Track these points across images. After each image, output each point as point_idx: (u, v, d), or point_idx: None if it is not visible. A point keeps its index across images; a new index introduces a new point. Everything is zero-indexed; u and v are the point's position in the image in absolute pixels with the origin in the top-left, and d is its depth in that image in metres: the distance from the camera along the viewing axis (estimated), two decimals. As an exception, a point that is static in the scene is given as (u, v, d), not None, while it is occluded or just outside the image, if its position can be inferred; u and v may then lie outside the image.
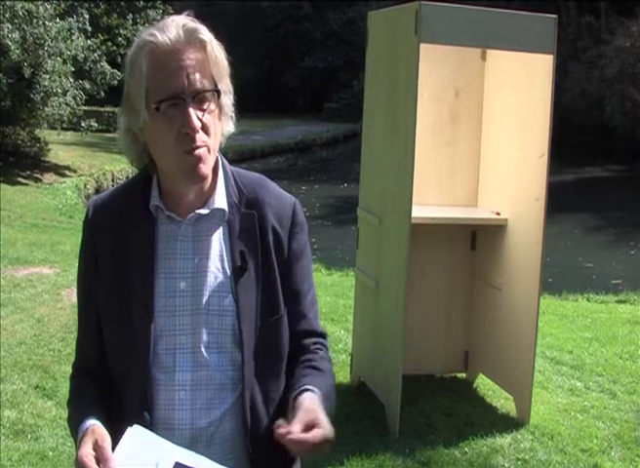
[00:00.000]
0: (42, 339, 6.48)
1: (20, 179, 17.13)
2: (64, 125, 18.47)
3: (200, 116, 1.82)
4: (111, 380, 1.97)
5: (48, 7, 17.17)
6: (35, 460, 4.60)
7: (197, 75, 1.80)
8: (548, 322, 7.69)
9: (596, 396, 5.93)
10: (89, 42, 19.04)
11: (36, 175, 17.83)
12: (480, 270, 5.95)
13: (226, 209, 1.93)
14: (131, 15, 24.45)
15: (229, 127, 1.93)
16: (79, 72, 18.60)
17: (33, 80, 16.59)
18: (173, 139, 1.81)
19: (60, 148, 20.22)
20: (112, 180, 19.40)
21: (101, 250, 1.96)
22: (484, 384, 5.98)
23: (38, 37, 16.44)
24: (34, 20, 16.53)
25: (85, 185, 18.35)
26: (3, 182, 16.01)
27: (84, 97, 18.50)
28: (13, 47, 15.65)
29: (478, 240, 5.98)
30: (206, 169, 1.86)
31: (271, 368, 1.96)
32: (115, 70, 19.36)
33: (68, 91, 17.63)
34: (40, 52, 16.50)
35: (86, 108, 18.72)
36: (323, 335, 2.07)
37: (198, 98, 1.81)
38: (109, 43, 21.66)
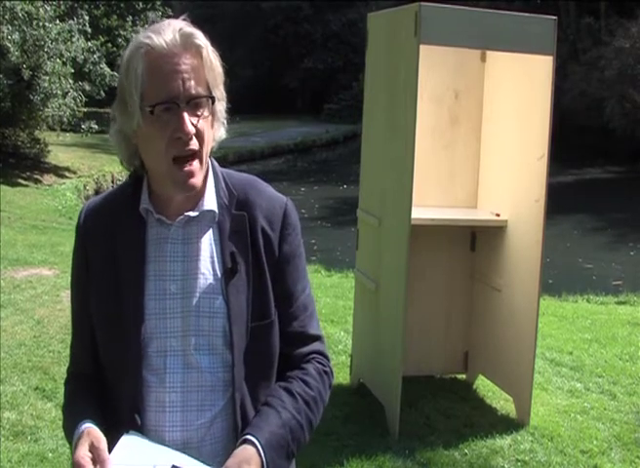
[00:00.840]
0: (42, 341, 6.48)
1: (19, 181, 17.12)
2: (64, 126, 18.44)
3: (194, 122, 1.81)
4: (105, 385, 1.97)
5: (48, 8, 17.16)
6: (35, 462, 4.60)
7: (192, 81, 1.80)
8: (548, 323, 7.69)
9: (596, 397, 5.94)
10: (89, 44, 19.04)
11: (36, 177, 17.82)
12: (480, 271, 5.95)
13: (216, 210, 1.93)
14: (130, 17, 24.48)
15: (221, 133, 1.94)
16: (79, 74, 18.59)
17: (33, 82, 16.58)
18: (165, 144, 1.81)
19: (59, 150, 20.21)
20: (112, 182, 19.39)
21: (93, 254, 1.97)
22: (484, 385, 5.99)
23: (38, 39, 16.43)
24: (34, 22, 16.52)
25: (85, 186, 18.34)
26: (3, 184, 16.00)
27: (84, 98, 18.49)
28: (12, 49, 15.64)
29: (478, 241, 5.98)
30: (196, 181, 1.86)
31: (262, 370, 1.95)
32: (115, 72, 19.30)
33: (68, 92, 17.62)
34: (40, 53, 16.49)
35: (86, 110, 18.70)
36: (317, 338, 2.05)
37: (193, 104, 1.81)
38: (109, 45, 21.67)
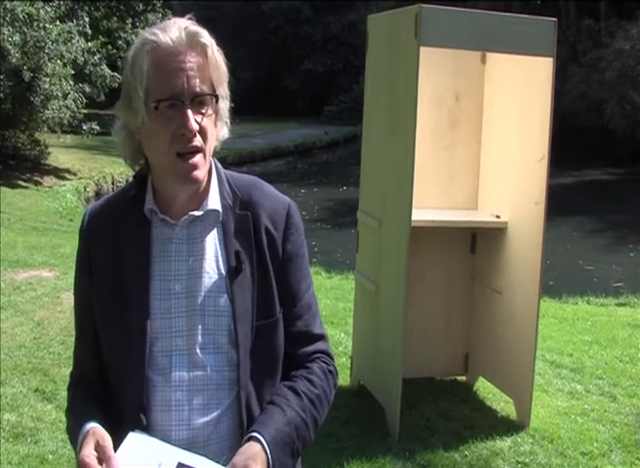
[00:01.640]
0: (42, 343, 6.48)
1: (20, 182, 17.13)
2: (65, 128, 18.45)
3: (198, 119, 1.83)
4: (109, 387, 1.97)
5: (48, 9, 17.18)
6: (35, 464, 4.59)
7: (197, 78, 1.81)
8: (548, 325, 7.69)
9: (596, 399, 5.93)
10: (89, 45, 19.05)
11: (36, 178, 17.83)
12: (480, 273, 5.95)
13: (220, 210, 1.94)
14: (130, 19, 24.48)
15: (224, 132, 1.95)
16: (79, 75, 18.60)
17: (33, 83, 16.58)
18: (168, 140, 1.82)
19: (59, 151, 20.22)
20: (112, 183, 19.40)
21: (96, 257, 1.98)
22: (484, 387, 5.98)
23: (38, 40, 16.44)
24: (34, 23, 16.54)
25: (85, 188, 18.34)
26: (3, 185, 16.01)
27: (84, 100, 18.50)
28: (13, 50, 15.65)
29: (478, 243, 5.98)
30: (200, 174, 1.87)
31: (267, 369, 1.96)
32: (115, 73, 19.36)
33: (69, 94, 17.63)
34: (40, 55, 16.50)
35: (86, 111, 18.71)
36: (321, 338, 2.06)
37: (197, 101, 1.82)
38: (109, 46, 21.68)
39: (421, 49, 4.80)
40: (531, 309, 5.27)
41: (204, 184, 1.94)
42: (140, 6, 25.16)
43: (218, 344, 1.91)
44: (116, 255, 1.94)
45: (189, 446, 1.86)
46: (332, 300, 8.27)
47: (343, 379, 5.95)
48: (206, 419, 1.90)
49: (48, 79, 16.74)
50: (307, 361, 2.02)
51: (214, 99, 1.85)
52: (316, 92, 44.77)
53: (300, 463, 2.04)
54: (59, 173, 18.89)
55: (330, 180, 24.02)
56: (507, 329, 5.55)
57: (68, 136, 19.23)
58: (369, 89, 5.76)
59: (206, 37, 1.84)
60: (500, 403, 5.73)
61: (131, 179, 2.02)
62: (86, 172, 19.55)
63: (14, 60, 15.79)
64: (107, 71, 19.55)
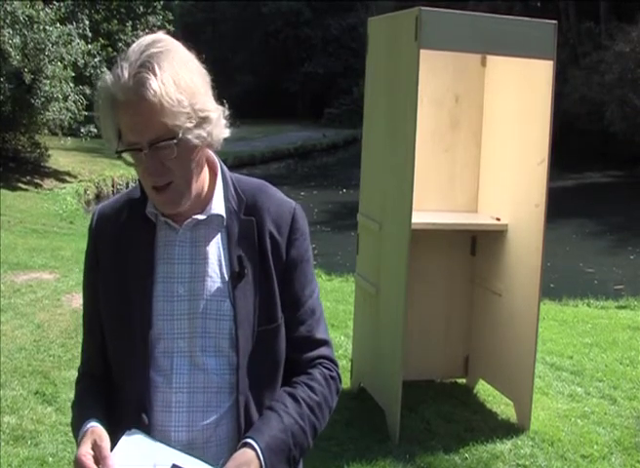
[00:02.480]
0: (42, 345, 6.47)
1: (20, 185, 17.14)
2: (65, 130, 18.45)
3: (161, 160, 1.82)
4: (113, 385, 1.99)
5: (48, 12, 17.19)
6: (35, 466, 4.59)
7: (150, 127, 1.79)
8: (548, 327, 7.68)
9: (596, 402, 5.93)
10: (89, 47, 19.06)
11: (36, 181, 17.84)
12: (480, 276, 5.95)
13: (224, 215, 1.95)
14: (131, 21, 24.47)
15: (222, 133, 1.92)
16: (79, 78, 18.61)
17: (34, 85, 16.59)
18: (141, 176, 1.87)
19: (60, 154, 20.23)
20: (112, 186, 19.40)
21: (103, 256, 2.00)
22: (484, 390, 5.98)
23: (39, 42, 16.45)
24: (35, 26, 16.55)
25: (85, 191, 18.35)
26: (3, 188, 16.01)
27: (84, 102, 18.50)
28: (13, 52, 15.66)
29: (478, 245, 5.98)
30: (176, 204, 1.88)
31: (267, 374, 1.97)
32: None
33: (69, 96, 17.63)
34: (41, 57, 16.51)
35: (86, 114, 18.71)
36: (324, 343, 2.05)
37: (155, 148, 1.81)
38: (109, 48, 21.68)
39: (421, 51, 4.80)
40: (531, 311, 5.27)
41: (208, 188, 1.95)
42: (141, 8, 25.15)
43: (219, 348, 1.91)
44: (121, 256, 1.96)
45: (188, 447, 1.87)
46: (332, 303, 8.27)
47: (344, 382, 5.89)
48: (205, 422, 1.91)
49: (48, 81, 16.76)
50: (309, 366, 2.02)
51: (173, 142, 1.81)
52: (316, 94, 44.82)
53: (301, 467, 2.05)
54: (59, 175, 18.90)
55: (330, 183, 24.02)
56: (507, 331, 5.55)
57: (69, 138, 19.23)
58: (369, 91, 5.77)
59: (152, 84, 1.77)
60: (501, 405, 5.72)
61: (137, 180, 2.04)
62: (86, 174, 19.55)
63: (14, 63, 15.80)
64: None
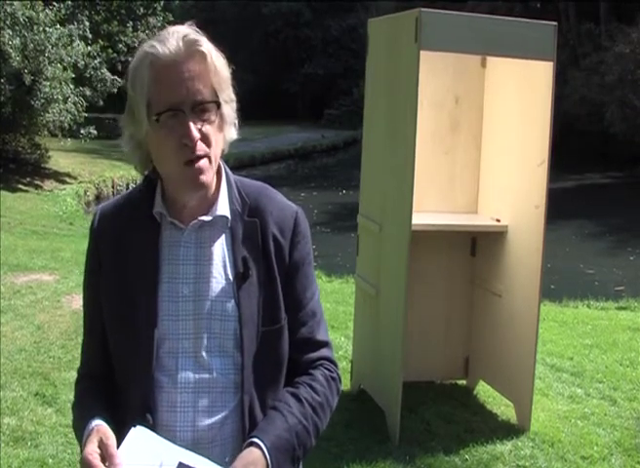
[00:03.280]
0: (42, 346, 6.47)
1: (20, 186, 17.15)
2: (64, 132, 18.46)
3: (200, 127, 1.84)
4: (116, 384, 1.99)
5: (48, 13, 17.19)
6: (35, 467, 4.59)
7: (197, 87, 1.82)
8: (549, 328, 7.69)
9: (596, 403, 5.93)
10: (89, 48, 19.07)
11: (36, 182, 17.85)
12: (480, 277, 5.95)
13: (229, 216, 1.96)
14: (131, 22, 24.48)
15: (232, 134, 1.96)
16: (79, 79, 18.62)
17: (34, 87, 16.60)
18: (173, 149, 1.84)
19: (60, 155, 20.24)
20: (112, 187, 19.42)
21: (105, 256, 2.00)
22: (484, 391, 5.98)
23: (39, 43, 16.46)
24: (35, 27, 16.55)
25: (85, 192, 18.36)
26: (3, 189, 16.02)
27: (84, 103, 18.52)
28: (13, 54, 15.67)
29: (478, 246, 5.98)
30: (206, 178, 1.88)
31: (270, 374, 1.97)
32: (115, 77, 19.38)
33: (69, 97, 17.64)
34: (40, 58, 16.52)
35: (86, 115, 18.73)
36: (325, 345, 2.07)
37: (198, 110, 1.83)
38: (110, 50, 21.70)
39: (422, 52, 4.81)
40: (531, 312, 5.27)
41: (213, 190, 1.96)
42: (141, 9, 25.16)
43: (223, 348, 1.92)
44: (125, 256, 1.96)
45: (193, 447, 1.87)
46: (332, 304, 8.27)
47: (344, 383, 5.90)
48: (211, 421, 1.91)
49: (48, 83, 16.76)
50: (311, 367, 2.03)
51: (216, 106, 1.86)
52: (316, 95, 44.82)
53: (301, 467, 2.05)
54: (59, 176, 18.91)
55: (330, 184, 24.02)
56: (508, 332, 5.55)
57: (69, 139, 19.25)
58: (369, 92, 5.77)
59: (205, 44, 1.84)
60: (501, 406, 5.72)
61: (139, 182, 2.04)
62: (86, 175, 19.56)
63: (14, 64, 15.81)
64: (108, 75, 19.58)
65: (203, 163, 1.86)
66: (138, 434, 1.83)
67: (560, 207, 12.97)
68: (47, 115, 17.26)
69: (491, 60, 5.78)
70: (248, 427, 1.91)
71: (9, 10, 15.95)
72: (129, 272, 1.95)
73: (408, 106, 4.94)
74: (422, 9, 4.80)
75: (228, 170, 2.03)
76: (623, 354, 7.11)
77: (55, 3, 18.60)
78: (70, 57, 17.70)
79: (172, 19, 26.43)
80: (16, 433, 4.97)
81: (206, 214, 1.94)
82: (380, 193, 5.45)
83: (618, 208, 20.59)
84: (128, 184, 19.21)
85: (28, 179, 17.83)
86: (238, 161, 24.21)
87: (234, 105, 1.94)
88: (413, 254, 5.07)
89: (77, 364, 2.14)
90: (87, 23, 20.09)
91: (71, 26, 18.61)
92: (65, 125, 17.85)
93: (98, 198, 18.34)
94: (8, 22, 15.93)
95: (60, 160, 20.01)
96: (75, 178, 19.14)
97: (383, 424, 5.21)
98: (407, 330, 5.09)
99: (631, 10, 29.17)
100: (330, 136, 35.16)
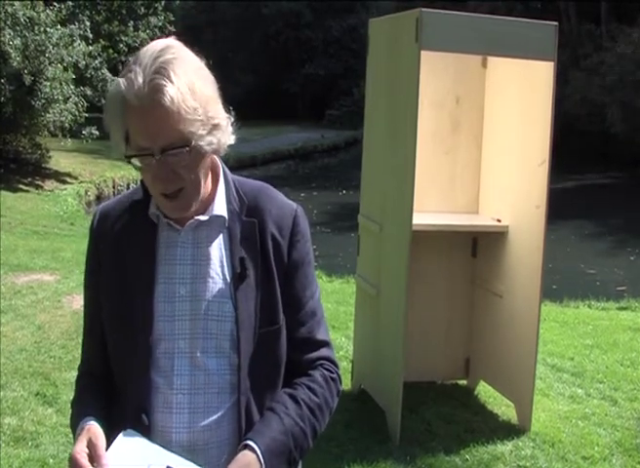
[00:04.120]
0: (43, 346, 6.47)
1: (20, 186, 17.15)
2: (65, 132, 18.46)
3: (172, 166, 1.82)
4: (114, 385, 2.00)
5: (49, 13, 17.19)
6: (36, 467, 4.59)
7: (164, 133, 1.78)
8: (549, 329, 7.68)
9: (597, 403, 5.93)
10: (90, 48, 19.07)
11: (37, 182, 17.85)
12: (481, 277, 5.95)
13: (226, 216, 1.95)
14: (132, 22, 24.46)
15: (225, 139, 1.91)
16: (80, 79, 18.62)
17: (34, 87, 16.60)
18: (149, 182, 1.86)
19: (60, 155, 20.24)
20: (113, 187, 19.42)
21: (105, 256, 2.00)
22: (485, 391, 5.98)
23: (39, 44, 16.46)
24: (35, 27, 16.55)
25: (86, 192, 18.37)
26: (4, 189, 16.02)
27: (85, 103, 18.52)
28: (14, 54, 15.67)
29: (479, 247, 5.98)
30: (185, 208, 1.89)
31: (268, 376, 1.97)
32: (116, 77, 19.36)
33: (69, 98, 17.64)
34: (41, 58, 16.52)
35: (87, 115, 18.72)
36: (325, 344, 2.06)
37: (166, 154, 1.80)
38: (110, 50, 21.69)
39: (422, 52, 4.80)
40: (532, 313, 5.27)
41: (210, 189, 1.96)
42: (142, 9, 25.13)
43: (220, 349, 1.92)
44: (122, 256, 1.96)
45: (189, 448, 1.87)
46: (332, 304, 8.27)
47: (344, 383, 5.93)
48: (206, 422, 1.91)
49: (49, 83, 16.77)
50: (310, 368, 2.02)
51: (187, 148, 1.81)
52: (317, 95, 44.81)
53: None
54: (59, 176, 18.92)
55: (330, 184, 24.02)
56: (508, 332, 5.54)
57: (69, 139, 19.24)
58: (370, 92, 5.77)
59: (169, 90, 1.76)
60: (501, 407, 5.72)
61: (139, 181, 2.04)
62: (87, 175, 19.57)
63: (15, 64, 15.81)
64: (108, 75, 19.57)
65: (181, 197, 1.86)
66: (127, 437, 1.84)
67: (561, 207, 12.97)
68: (47, 115, 17.26)
69: (491, 61, 5.78)
70: (244, 428, 1.91)
71: (10, 10, 15.94)
72: (127, 273, 1.95)
73: (408, 106, 4.94)
74: (423, 9, 4.80)
75: (227, 169, 2.03)
76: (624, 354, 7.10)
77: (55, 3, 18.60)
78: (71, 57, 17.70)
79: (172, 18, 26.46)
80: (16, 433, 4.97)
81: (202, 214, 1.94)
82: (381, 193, 5.45)
83: (618, 208, 20.59)
84: (129, 184, 19.21)
85: (29, 179, 17.83)
86: (238, 161, 24.20)
87: (221, 118, 1.88)
88: (413, 255, 5.07)
89: (78, 363, 2.15)
90: (88, 23, 20.08)
91: (72, 26, 18.60)
92: (66, 125, 17.85)
93: (98, 198, 18.34)
94: (9, 23, 15.93)
95: (60, 160, 20.01)
96: (76, 178, 19.14)
97: (384, 424, 5.21)
98: (407, 330, 5.09)
99: (632, 10, 29.18)
100: (330, 137, 35.16)
